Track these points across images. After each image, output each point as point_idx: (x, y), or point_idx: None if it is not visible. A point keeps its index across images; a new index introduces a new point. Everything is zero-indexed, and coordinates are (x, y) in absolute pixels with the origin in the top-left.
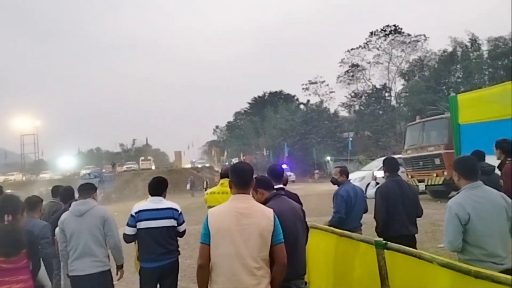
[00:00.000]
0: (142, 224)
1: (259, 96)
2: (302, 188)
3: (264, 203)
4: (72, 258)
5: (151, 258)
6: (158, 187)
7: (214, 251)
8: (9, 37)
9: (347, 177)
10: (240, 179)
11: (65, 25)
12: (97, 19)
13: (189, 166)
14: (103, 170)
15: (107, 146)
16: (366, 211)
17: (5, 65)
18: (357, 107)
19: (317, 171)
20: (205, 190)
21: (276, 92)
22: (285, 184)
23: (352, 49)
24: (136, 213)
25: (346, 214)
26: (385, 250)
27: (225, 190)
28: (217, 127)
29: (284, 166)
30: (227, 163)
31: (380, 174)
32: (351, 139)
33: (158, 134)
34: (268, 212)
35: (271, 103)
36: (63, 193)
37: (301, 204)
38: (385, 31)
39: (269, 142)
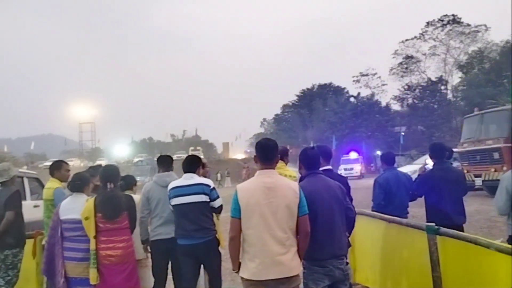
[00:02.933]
0: (174, 201)
1: (307, 89)
2: (350, 182)
3: (300, 180)
4: (156, 224)
5: (183, 235)
6: (190, 164)
7: (245, 224)
8: (70, 30)
9: (391, 163)
10: (265, 154)
11: (123, 18)
12: (154, 13)
13: (237, 157)
14: (155, 159)
15: (159, 136)
16: (412, 199)
17: (65, 56)
18: (410, 101)
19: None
20: (219, 183)
21: (325, 84)
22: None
23: (406, 40)
24: (169, 190)
25: (385, 201)
26: (437, 236)
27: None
28: (264, 119)
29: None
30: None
31: (431, 163)
32: (403, 133)
33: (207, 126)
34: (294, 185)
35: (320, 96)
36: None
37: (348, 187)
38: (442, 21)
39: (317, 135)
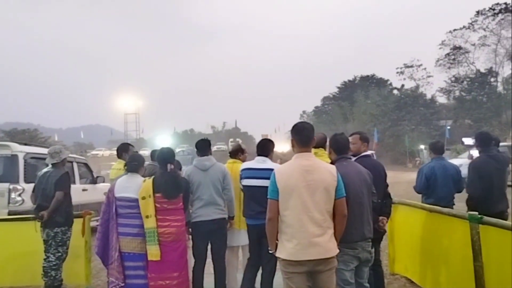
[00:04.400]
0: (245, 182)
1: (349, 80)
2: (392, 176)
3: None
4: (197, 205)
5: (251, 215)
6: (264, 147)
7: (283, 205)
8: (116, 25)
9: (439, 152)
10: (302, 137)
11: (168, 11)
12: (194, 5)
13: (276, 149)
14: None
15: (200, 128)
16: (459, 190)
17: (111, 51)
18: (457, 93)
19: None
20: None
21: (367, 76)
22: None
23: (454, 29)
24: (241, 170)
25: (428, 191)
26: (480, 225)
27: None
28: (304, 112)
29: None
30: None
31: (476, 153)
32: (448, 127)
33: (247, 118)
34: (331, 168)
35: (362, 88)
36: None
37: (385, 173)
38: (493, 10)
39: (358, 128)
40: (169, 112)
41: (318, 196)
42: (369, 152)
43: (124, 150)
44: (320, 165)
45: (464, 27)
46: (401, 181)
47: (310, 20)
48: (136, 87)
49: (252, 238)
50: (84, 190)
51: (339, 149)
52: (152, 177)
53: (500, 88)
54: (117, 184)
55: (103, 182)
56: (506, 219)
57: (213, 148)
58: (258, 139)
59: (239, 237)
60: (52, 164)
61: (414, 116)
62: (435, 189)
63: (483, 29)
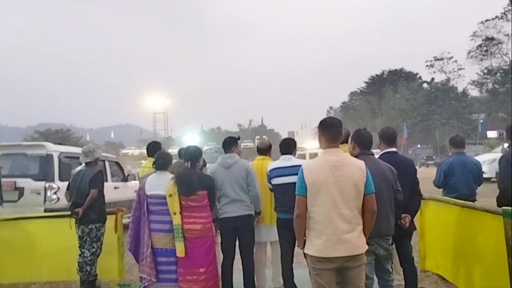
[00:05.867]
0: (274, 181)
1: (377, 75)
2: (421, 171)
3: None
4: (223, 202)
5: (282, 210)
6: (287, 146)
7: (311, 202)
8: (144, 25)
9: (459, 146)
10: (330, 133)
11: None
12: (220, 2)
13: (305, 145)
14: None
15: (227, 126)
16: (479, 184)
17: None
18: (490, 86)
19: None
20: None
21: (396, 70)
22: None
23: (486, 20)
24: (270, 171)
25: (447, 187)
26: None
27: None
28: (331, 108)
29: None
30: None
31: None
32: (481, 121)
33: (273, 115)
34: (360, 163)
35: (390, 82)
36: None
37: (415, 170)
38: None
39: (387, 123)
40: (196, 111)
41: (347, 192)
42: (394, 149)
43: (153, 148)
44: (349, 161)
45: (496, 17)
46: (431, 176)
47: (337, 15)
48: (164, 87)
49: (283, 233)
50: (116, 188)
51: (362, 144)
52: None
53: None
54: (147, 182)
55: (134, 180)
56: None
57: (240, 146)
58: (284, 136)
59: (268, 233)
60: (86, 162)
61: (445, 110)
62: (456, 184)
63: None
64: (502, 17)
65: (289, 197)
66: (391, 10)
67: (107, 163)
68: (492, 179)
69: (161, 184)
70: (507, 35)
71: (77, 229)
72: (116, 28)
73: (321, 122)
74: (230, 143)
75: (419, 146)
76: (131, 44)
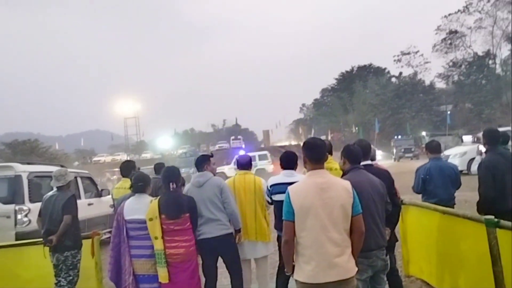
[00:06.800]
0: (277, 197)
1: (347, 71)
2: (395, 165)
3: (343, 175)
4: (199, 223)
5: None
6: (289, 161)
7: (299, 226)
8: (111, 28)
9: (435, 152)
10: (314, 154)
11: (162, 13)
12: (191, 4)
13: (278, 144)
14: (197, 150)
15: (200, 127)
16: (457, 188)
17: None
18: (456, 78)
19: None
20: None
21: (365, 65)
22: (373, 160)
23: (449, 14)
24: (271, 186)
25: (425, 193)
26: (497, 229)
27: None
28: (303, 105)
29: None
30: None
31: (483, 148)
32: (449, 112)
33: (247, 114)
34: (346, 184)
35: (360, 78)
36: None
37: (392, 180)
38: None
39: (358, 118)
40: (168, 113)
41: (336, 215)
42: (370, 162)
43: (127, 168)
44: (336, 182)
45: (459, 10)
46: (405, 170)
47: (305, 13)
48: (134, 90)
49: None
50: (89, 204)
51: (352, 159)
52: (158, 197)
53: (498, 70)
54: (125, 206)
55: (108, 194)
56: None
57: (215, 147)
58: (259, 135)
59: (253, 250)
60: (57, 187)
61: (414, 103)
62: (435, 189)
63: (478, 12)
64: (464, 11)
65: None
66: (358, 5)
67: (79, 179)
68: (463, 171)
69: (140, 208)
70: (470, 28)
71: (51, 257)
72: (84, 31)
73: (304, 143)
74: (202, 162)
75: (399, 137)
76: (99, 47)
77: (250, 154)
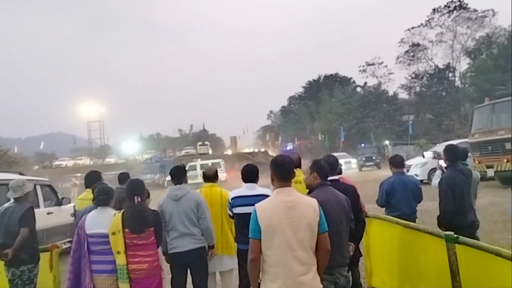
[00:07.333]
0: (237, 210)
1: (313, 80)
2: (360, 174)
3: (310, 191)
4: (172, 237)
5: (244, 241)
6: (250, 174)
7: (266, 245)
8: (75, 29)
9: (399, 166)
10: (282, 172)
11: (128, 16)
12: (159, 8)
13: (245, 150)
14: (162, 155)
15: (167, 132)
16: (418, 202)
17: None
18: (418, 89)
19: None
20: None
21: (331, 75)
22: (340, 173)
23: (412, 27)
24: (232, 199)
25: (389, 207)
26: (456, 245)
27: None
28: (271, 112)
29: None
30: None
31: (443, 163)
32: (411, 122)
33: (215, 120)
34: (313, 202)
35: (327, 87)
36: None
37: (358, 196)
38: (449, 7)
39: (324, 126)
40: (134, 117)
41: (302, 233)
42: (337, 177)
43: (92, 179)
44: (303, 201)
45: (421, 24)
46: (369, 179)
47: (273, 20)
48: (98, 93)
49: (243, 264)
50: (49, 213)
51: (323, 174)
52: (122, 211)
53: (458, 82)
54: (87, 220)
55: (70, 203)
56: (477, 228)
57: (181, 153)
58: (226, 141)
59: (219, 263)
60: (14, 198)
61: (378, 113)
62: (398, 203)
63: (440, 26)
64: (426, 25)
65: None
66: (325, 16)
67: (38, 187)
68: (424, 181)
69: (102, 221)
70: (431, 41)
71: (6, 272)
72: (46, 30)
73: (272, 160)
74: (180, 174)
75: (362, 145)
76: (63, 48)
77: (203, 162)
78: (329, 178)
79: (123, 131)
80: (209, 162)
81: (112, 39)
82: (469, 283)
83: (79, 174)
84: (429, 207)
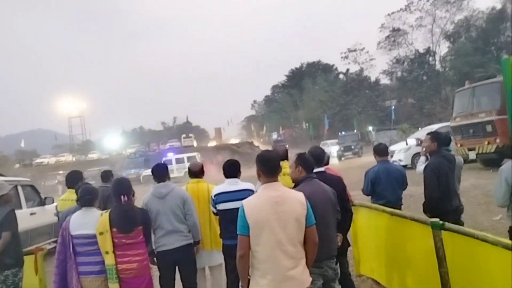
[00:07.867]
0: (221, 206)
1: (296, 68)
2: (344, 161)
3: (296, 184)
4: (159, 235)
5: (230, 236)
6: (232, 169)
7: (254, 241)
8: (54, 22)
9: (383, 154)
10: (268, 167)
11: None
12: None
13: (231, 141)
14: (146, 149)
15: (150, 125)
16: (403, 189)
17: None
18: (399, 74)
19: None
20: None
21: (314, 62)
22: (326, 164)
23: (392, 12)
24: (215, 196)
25: (374, 195)
26: (443, 231)
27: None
28: (255, 101)
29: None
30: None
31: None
32: (393, 107)
33: (198, 112)
34: (300, 196)
35: (309, 75)
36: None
37: (344, 186)
38: None
39: (308, 115)
40: (116, 111)
41: (290, 228)
42: (323, 168)
43: (73, 179)
44: (290, 195)
45: (401, 9)
46: (354, 166)
47: (256, 9)
48: (78, 88)
49: (230, 260)
50: (32, 214)
51: (308, 168)
52: (109, 210)
53: (438, 66)
54: (71, 221)
55: (53, 202)
56: (461, 212)
57: (166, 146)
58: (211, 132)
59: (208, 258)
60: None
61: (361, 99)
62: (383, 191)
63: (419, 10)
64: (406, 9)
65: (235, 223)
66: (306, 3)
67: (19, 188)
68: (407, 166)
69: (87, 222)
70: (411, 26)
71: None
72: (24, 26)
73: (258, 156)
74: (163, 171)
75: (343, 133)
76: (41, 43)
77: (179, 156)
78: (315, 170)
79: (105, 126)
80: (184, 156)
81: (91, 33)
82: (455, 269)
83: (61, 172)
84: (413, 192)
